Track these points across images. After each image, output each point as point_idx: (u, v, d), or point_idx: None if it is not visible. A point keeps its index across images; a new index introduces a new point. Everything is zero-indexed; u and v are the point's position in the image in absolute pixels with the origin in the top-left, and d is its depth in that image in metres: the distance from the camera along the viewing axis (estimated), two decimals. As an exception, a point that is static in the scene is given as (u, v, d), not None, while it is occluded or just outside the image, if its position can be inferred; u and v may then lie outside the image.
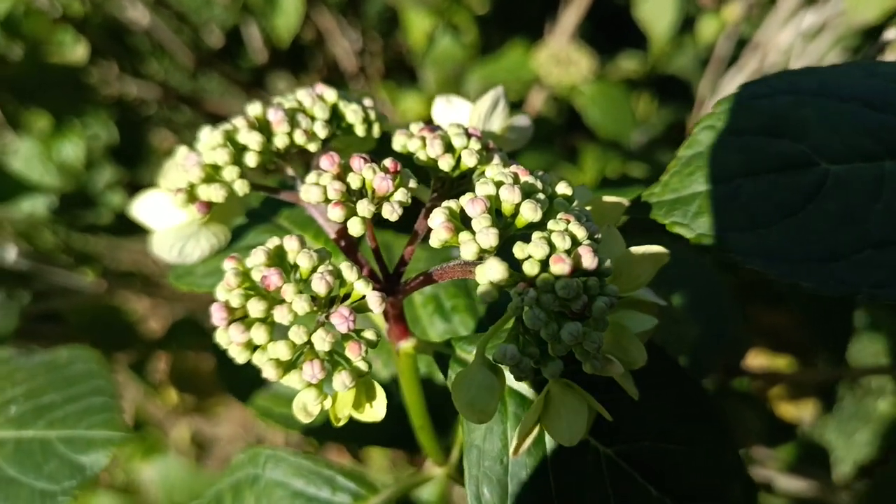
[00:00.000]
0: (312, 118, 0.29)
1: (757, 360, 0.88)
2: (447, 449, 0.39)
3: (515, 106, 1.52)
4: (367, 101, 0.31)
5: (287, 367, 0.24)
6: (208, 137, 0.29)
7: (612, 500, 0.27)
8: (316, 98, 0.30)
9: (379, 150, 0.33)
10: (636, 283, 0.26)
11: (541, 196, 0.25)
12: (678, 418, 0.30)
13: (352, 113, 0.30)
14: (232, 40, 1.62)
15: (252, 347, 0.24)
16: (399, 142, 0.29)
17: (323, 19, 1.51)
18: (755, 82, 0.31)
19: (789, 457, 0.91)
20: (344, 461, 1.37)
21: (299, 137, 0.29)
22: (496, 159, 0.28)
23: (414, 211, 0.28)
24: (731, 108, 0.31)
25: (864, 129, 0.30)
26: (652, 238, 0.34)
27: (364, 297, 0.24)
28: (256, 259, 0.25)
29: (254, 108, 0.30)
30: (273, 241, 0.25)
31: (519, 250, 0.23)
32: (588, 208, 0.28)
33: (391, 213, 0.25)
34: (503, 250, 0.24)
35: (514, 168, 0.26)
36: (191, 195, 0.29)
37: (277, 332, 0.24)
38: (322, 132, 0.29)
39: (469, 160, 0.27)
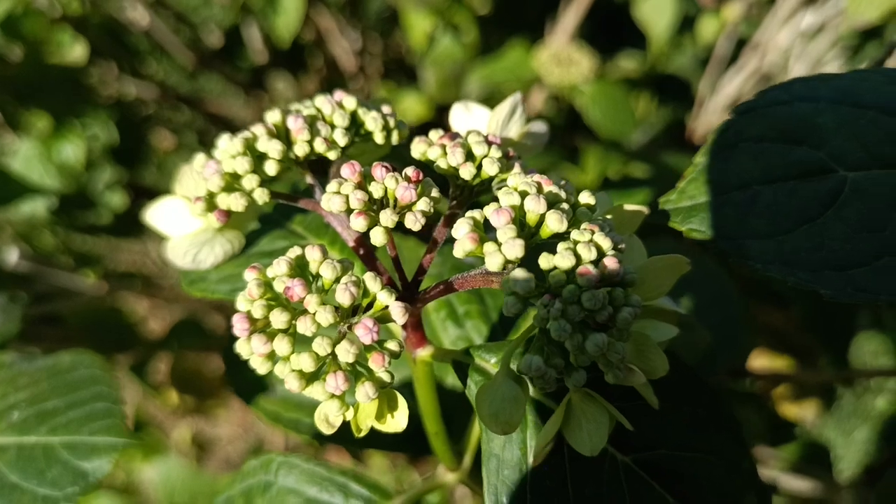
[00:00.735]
0: (332, 126, 0.29)
1: (759, 360, 0.88)
2: (459, 454, 0.39)
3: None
4: (386, 108, 0.31)
5: (310, 378, 0.23)
6: (227, 145, 0.29)
7: (633, 508, 0.27)
8: (335, 105, 0.30)
9: (390, 156, 0.33)
10: (657, 291, 0.26)
11: (565, 206, 0.25)
12: (695, 427, 0.30)
13: (371, 120, 0.30)
14: (231, 40, 1.62)
15: (274, 359, 0.24)
16: (419, 149, 0.29)
17: (322, 19, 1.50)
18: (773, 89, 0.31)
19: (792, 456, 0.92)
20: (343, 462, 1.37)
21: (319, 145, 0.29)
22: (517, 168, 0.28)
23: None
24: (749, 115, 0.31)
25: (883, 137, 0.30)
26: (659, 240, 0.34)
27: (387, 307, 0.24)
28: (278, 269, 0.25)
29: (273, 116, 0.29)
30: (295, 251, 0.25)
31: (545, 261, 0.23)
32: (609, 217, 0.28)
33: (414, 222, 0.25)
34: (526, 260, 0.24)
35: (537, 177, 0.26)
36: (210, 203, 0.29)
37: (300, 342, 0.24)
38: (342, 140, 0.29)
39: (490, 169, 0.27)
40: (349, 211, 0.26)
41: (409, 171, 0.26)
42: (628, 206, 0.29)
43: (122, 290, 1.14)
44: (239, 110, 1.71)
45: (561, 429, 0.25)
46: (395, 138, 0.31)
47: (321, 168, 0.31)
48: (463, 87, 1.40)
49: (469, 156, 0.28)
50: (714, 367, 0.49)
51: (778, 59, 1.36)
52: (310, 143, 0.29)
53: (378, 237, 0.25)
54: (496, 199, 0.25)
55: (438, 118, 1.63)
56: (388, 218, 0.25)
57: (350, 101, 0.30)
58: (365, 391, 0.23)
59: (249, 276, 0.25)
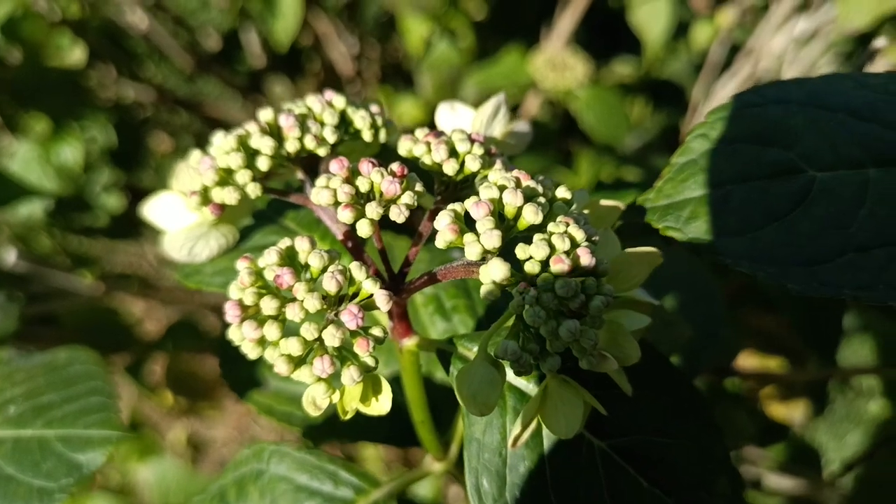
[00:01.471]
0: (322, 123, 0.31)
1: (748, 361, 0.89)
2: (446, 444, 0.40)
3: (511, 110, 1.53)
4: (374, 108, 0.32)
5: (298, 362, 0.25)
6: (222, 142, 0.30)
7: (606, 491, 0.29)
8: (325, 104, 0.31)
9: (382, 155, 0.35)
10: (631, 283, 0.27)
11: (542, 200, 0.26)
12: (669, 414, 0.31)
13: (360, 119, 0.31)
14: (229, 44, 1.63)
15: (264, 344, 0.25)
16: (405, 147, 0.30)
17: (320, 24, 1.52)
18: (747, 92, 0.33)
19: (780, 456, 0.93)
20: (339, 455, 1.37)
21: (310, 142, 0.30)
22: (498, 164, 0.29)
23: (414, 213, 0.29)
24: (724, 117, 0.32)
25: (850, 138, 0.31)
26: (649, 241, 0.36)
27: (372, 295, 0.25)
28: (269, 259, 0.26)
29: (265, 114, 0.31)
30: (284, 242, 0.26)
31: (521, 251, 0.24)
32: (586, 211, 0.30)
33: (398, 215, 0.27)
34: (505, 252, 0.25)
35: (515, 173, 0.27)
36: (204, 197, 0.30)
37: (288, 328, 0.25)
38: (331, 137, 0.30)
39: (472, 164, 0.29)
40: (337, 204, 0.27)
41: (395, 166, 0.27)
42: (605, 202, 0.30)
43: (119, 291, 1.14)
44: (236, 114, 1.72)
45: (539, 414, 0.26)
46: (382, 136, 0.32)
47: (312, 166, 0.32)
48: (459, 92, 1.41)
49: (452, 152, 0.29)
50: (698, 363, 0.50)
51: (771, 64, 1.37)
52: (300, 139, 0.30)
53: (364, 229, 0.26)
54: (478, 194, 0.26)
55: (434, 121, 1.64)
56: (373, 210, 0.26)
57: (339, 101, 0.31)
58: (350, 374, 0.25)
59: (241, 265, 0.26)
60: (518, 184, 0.26)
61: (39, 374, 0.48)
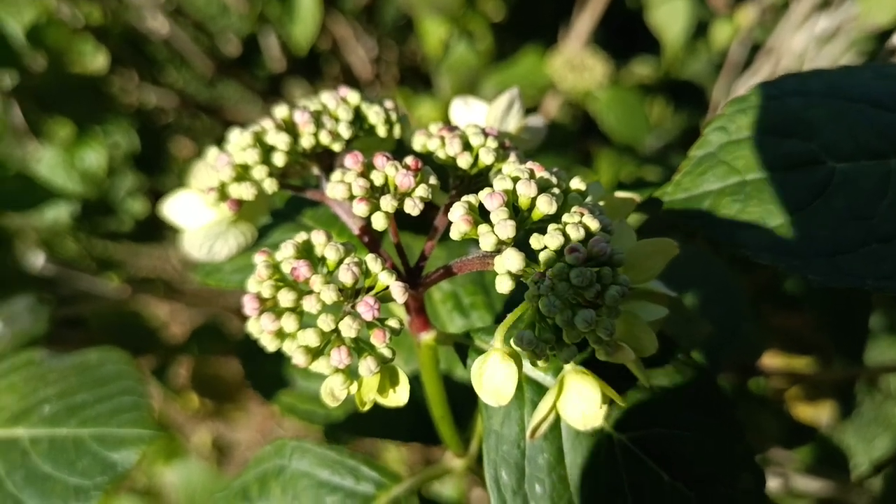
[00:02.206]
0: (336, 119, 0.31)
1: (773, 361, 0.88)
2: (466, 441, 0.40)
3: (530, 111, 1.53)
4: (389, 104, 0.32)
5: (315, 353, 0.25)
6: (238, 138, 0.30)
7: (626, 483, 0.28)
8: (340, 100, 0.31)
9: (397, 150, 0.35)
10: (647, 274, 0.27)
11: (556, 191, 0.26)
12: (689, 407, 0.31)
13: (374, 114, 0.31)
14: (249, 48, 1.64)
15: (282, 336, 0.25)
16: (419, 141, 0.30)
17: (338, 27, 1.53)
18: (765, 84, 0.32)
19: (807, 458, 0.91)
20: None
21: (325, 138, 0.30)
22: (512, 157, 0.29)
23: (431, 212, 0.30)
24: (742, 109, 0.32)
25: (871, 129, 0.31)
26: (671, 237, 0.35)
27: (388, 287, 0.25)
28: (286, 252, 0.26)
29: (281, 111, 0.31)
30: (301, 236, 0.27)
31: (535, 241, 0.24)
32: (601, 203, 0.29)
33: (413, 207, 0.27)
34: (520, 243, 0.25)
35: (529, 164, 0.27)
36: (222, 193, 0.30)
37: (306, 320, 0.26)
38: (346, 132, 0.31)
39: (486, 158, 0.29)
40: (352, 198, 0.27)
41: (409, 159, 0.27)
42: (619, 194, 0.30)
43: (144, 294, 1.16)
44: (256, 117, 1.74)
45: (557, 406, 0.26)
46: (397, 132, 0.32)
47: (328, 162, 0.33)
48: (478, 94, 1.41)
49: (466, 146, 0.29)
50: (718, 359, 0.49)
51: (792, 63, 1.36)
52: (315, 135, 0.30)
53: (379, 221, 0.26)
54: (492, 187, 0.26)
55: (454, 125, 1.64)
56: (388, 203, 0.26)
57: (354, 97, 0.31)
58: (367, 365, 0.25)
59: (259, 258, 0.26)
60: (532, 175, 0.26)
61: (72, 375, 0.49)
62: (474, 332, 0.30)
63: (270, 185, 0.30)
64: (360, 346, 0.25)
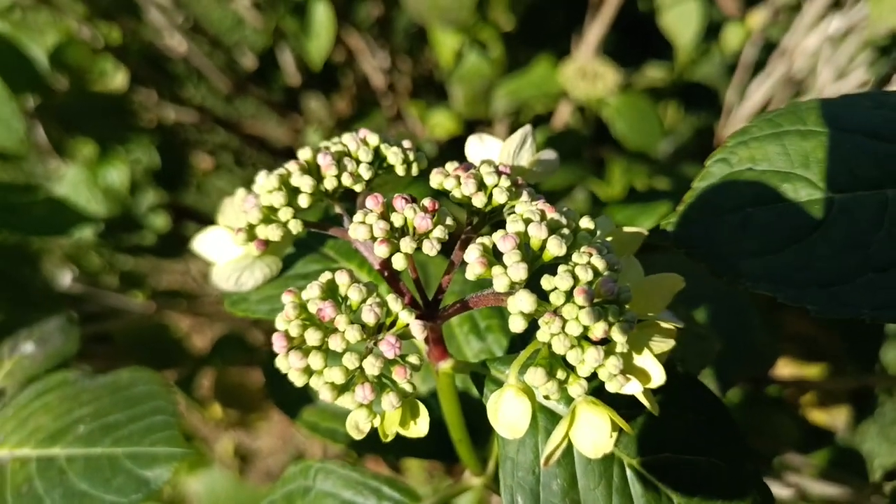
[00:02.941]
0: (357, 161, 0.33)
1: (787, 368, 0.89)
2: (484, 460, 0.42)
3: (544, 119, 1.54)
4: (406, 143, 0.34)
5: (341, 389, 0.27)
6: (265, 181, 0.32)
7: (638, 506, 0.30)
8: (360, 142, 0.33)
9: (415, 181, 0.36)
10: (654, 307, 0.29)
11: (565, 231, 0.27)
12: (698, 431, 0.32)
13: (392, 155, 0.33)
14: (265, 63, 1.67)
15: (309, 372, 0.27)
16: (436, 180, 0.32)
17: (352, 39, 1.55)
18: (764, 118, 0.34)
19: (822, 463, 0.92)
20: (382, 472, 1.40)
21: (346, 179, 0.32)
22: (524, 195, 0.31)
23: (449, 238, 0.31)
24: (743, 142, 0.33)
25: (868, 159, 0.32)
26: (678, 256, 0.37)
27: (408, 325, 0.27)
28: (312, 293, 0.28)
29: (304, 153, 0.33)
30: (326, 276, 0.28)
31: (546, 282, 0.26)
32: (609, 238, 0.31)
33: (430, 248, 0.28)
34: (532, 280, 0.27)
35: (541, 205, 0.28)
36: (250, 234, 0.32)
37: (332, 357, 0.27)
38: (366, 174, 0.32)
39: (500, 197, 0.30)
40: (373, 238, 0.29)
41: (426, 201, 0.29)
42: (628, 229, 0.31)
43: (168, 308, 1.18)
44: (273, 130, 1.76)
45: (569, 434, 0.28)
46: (414, 170, 0.34)
47: (350, 197, 0.34)
48: (491, 103, 1.43)
49: (481, 185, 0.31)
50: (731, 374, 0.51)
51: (806, 63, 1.36)
52: (338, 177, 0.32)
53: (399, 262, 0.28)
54: (506, 224, 0.28)
55: (468, 133, 1.66)
56: (407, 245, 0.28)
57: (373, 138, 0.33)
58: (389, 400, 0.26)
59: (286, 298, 0.28)
60: (543, 216, 0.28)
61: (105, 395, 0.50)
62: (490, 362, 0.31)
63: (295, 226, 0.31)
64: (382, 382, 0.27)
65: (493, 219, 0.32)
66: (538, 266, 0.27)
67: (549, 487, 0.30)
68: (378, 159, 0.34)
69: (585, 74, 1.28)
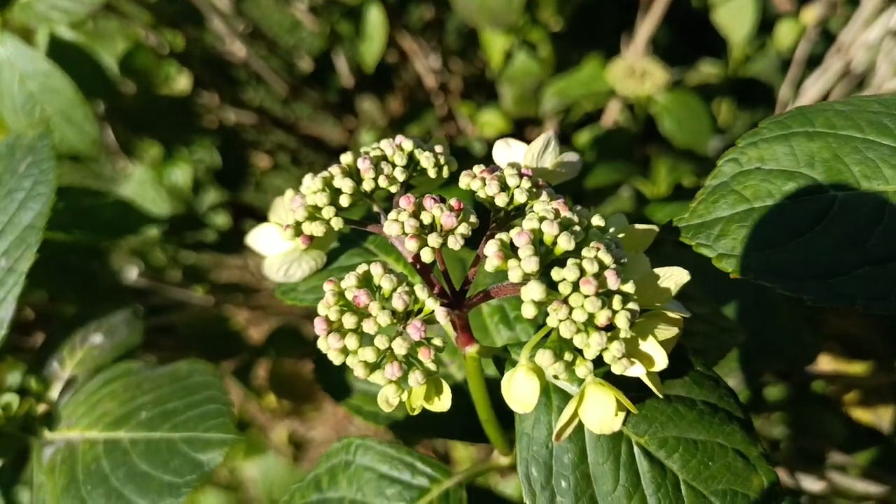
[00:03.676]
0: (393, 164, 0.36)
1: (830, 366, 0.89)
2: (512, 442, 0.45)
3: (594, 117, 1.56)
4: (438, 148, 0.37)
5: (373, 367, 0.30)
6: (310, 183, 0.36)
7: (645, 484, 0.32)
8: (396, 147, 0.36)
9: (449, 182, 0.40)
10: (661, 298, 0.31)
11: (577, 228, 0.30)
12: (705, 415, 0.34)
13: (425, 159, 0.36)
14: (321, 66, 1.73)
15: (346, 352, 0.30)
16: (464, 182, 0.35)
17: (405, 41, 1.59)
18: (774, 121, 0.36)
19: (866, 462, 0.92)
20: (430, 454, 1.43)
21: (383, 181, 0.35)
22: (544, 195, 0.34)
23: (484, 232, 0.34)
24: (753, 143, 0.36)
25: (872, 159, 0.34)
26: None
27: (433, 311, 0.30)
28: (349, 282, 0.31)
29: (346, 157, 0.36)
30: (362, 267, 0.32)
31: (556, 274, 0.29)
32: (621, 235, 0.34)
33: (455, 243, 0.31)
34: (547, 272, 0.30)
35: (555, 204, 0.31)
36: (297, 230, 0.36)
37: (365, 339, 0.31)
38: (401, 176, 0.36)
39: (520, 197, 0.33)
40: (405, 234, 0.32)
41: (453, 201, 0.32)
42: (639, 226, 0.34)
43: (226, 302, 1.25)
44: (329, 131, 1.82)
45: (578, 413, 0.31)
46: (445, 172, 0.37)
47: (388, 197, 0.38)
48: (540, 102, 1.45)
49: (503, 187, 0.34)
50: (757, 366, 0.52)
51: (865, 58, 1.35)
52: (375, 179, 0.35)
53: (427, 255, 0.31)
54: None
55: (517, 132, 1.68)
56: (434, 240, 0.31)
57: (408, 144, 0.37)
58: (415, 377, 0.30)
59: (327, 287, 0.32)
60: (556, 215, 0.30)
61: (165, 384, 0.55)
62: (511, 346, 0.34)
63: (337, 224, 0.35)
64: (409, 361, 0.30)
65: (516, 217, 0.35)
66: (551, 260, 0.30)
67: (561, 461, 0.32)
68: (413, 163, 0.37)
69: (633, 73, 1.29)
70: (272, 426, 1.74)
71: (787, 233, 0.33)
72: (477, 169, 0.35)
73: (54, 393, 0.63)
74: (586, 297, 0.28)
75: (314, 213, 0.36)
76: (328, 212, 0.35)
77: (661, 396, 0.31)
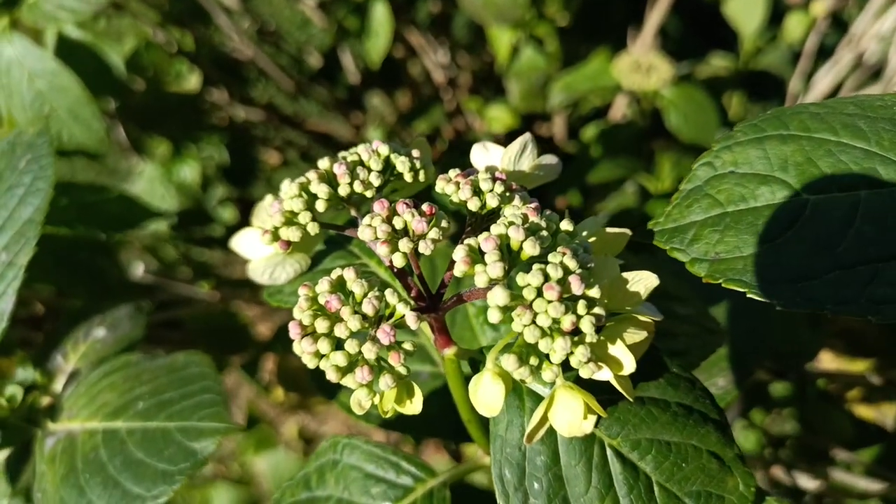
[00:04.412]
0: (369, 169, 0.36)
1: (833, 363, 0.88)
2: (496, 441, 0.45)
3: (602, 112, 1.55)
4: (415, 152, 0.38)
5: (345, 371, 0.30)
6: (287, 188, 0.36)
7: (617, 484, 0.33)
8: (372, 152, 0.37)
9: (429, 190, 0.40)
10: (630, 302, 0.32)
11: (544, 233, 0.30)
12: (680, 417, 0.34)
13: (401, 164, 0.37)
14: (331, 62, 1.73)
15: (319, 356, 0.31)
16: (440, 186, 0.35)
17: (412, 36, 1.59)
18: (749, 124, 0.36)
19: (869, 459, 0.91)
20: (442, 458, 1.44)
21: (358, 186, 0.36)
22: (517, 199, 0.34)
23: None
24: (727, 146, 0.36)
25: (845, 162, 0.34)
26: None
27: (403, 315, 0.31)
28: (322, 287, 0.32)
29: (323, 163, 0.37)
30: (336, 272, 0.32)
31: (521, 279, 0.29)
32: (593, 239, 0.34)
33: (426, 248, 0.32)
34: (512, 278, 0.30)
35: (525, 209, 0.32)
36: (275, 235, 0.37)
37: (338, 344, 0.31)
38: (376, 181, 0.36)
39: (492, 201, 0.34)
40: (377, 239, 0.32)
41: (425, 206, 0.33)
42: (611, 230, 0.34)
43: (234, 298, 1.26)
44: (338, 127, 1.83)
45: (548, 416, 0.31)
46: (422, 177, 0.38)
47: (364, 205, 0.38)
48: (548, 97, 1.44)
49: (476, 191, 0.34)
50: (748, 366, 0.52)
51: (876, 49, 1.33)
52: (350, 184, 0.36)
53: (397, 260, 0.32)
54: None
55: (525, 127, 1.68)
56: (405, 245, 0.32)
57: (384, 149, 0.37)
58: (385, 381, 0.30)
59: (301, 292, 0.32)
60: (524, 220, 0.31)
61: (162, 375, 0.56)
62: (486, 349, 0.35)
63: (313, 228, 0.36)
64: (381, 366, 0.31)
65: (490, 221, 0.35)
66: (517, 265, 0.30)
67: (534, 462, 0.33)
68: (390, 168, 0.38)
69: (639, 67, 1.28)
70: (282, 421, 1.75)
71: (758, 237, 0.33)
72: (452, 173, 0.36)
73: (58, 385, 0.64)
74: (549, 302, 0.28)
75: (291, 218, 0.36)
76: (304, 217, 0.36)
77: (630, 399, 0.31)
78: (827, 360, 0.89)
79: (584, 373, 0.30)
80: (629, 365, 0.30)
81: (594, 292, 0.29)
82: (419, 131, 1.61)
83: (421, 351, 0.55)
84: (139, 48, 1.40)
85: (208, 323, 1.23)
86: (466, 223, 0.36)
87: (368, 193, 0.36)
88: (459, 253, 0.30)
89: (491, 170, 0.36)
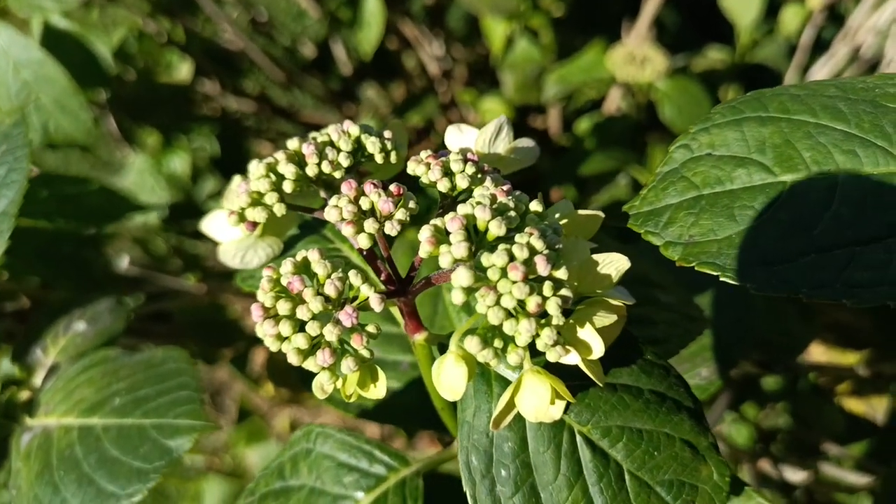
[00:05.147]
0: (338, 150, 0.36)
1: (823, 355, 0.88)
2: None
3: (598, 104, 1.54)
4: (387, 133, 0.37)
5: (306, 354, 0.30)
6: (255, 169, 0.36)
7: (586, 471, 0.32)
8: (342, 133, 0.36)
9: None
10: (601, 285, 0.31)
11: (512, 214, 0.30)
12: (653, 404, 0.34)
13: (371, 144, 0.36)
14: (325, 53, 1.72)
15: (281, 339, 0.30)
16: (411, 167, 0.35)
17: (407, 27, 1.58)
18: (727, 106, 0.35)
19: (860, 453, 0.91)
20: (436, 449, 1.44)
21: (326, 167, 0.35)
22: (488, 181, 0.33)
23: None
24: (705, 129, 0.35)
25: (823, 144, 0.33)
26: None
27: (367, 297, 0.30)
28: (285, 268, 0.31)
29: (292, 143, 0.36)
30: (301, 254, 0.32)
31: (485, 259, 0.28)
32: (564, 221, 0.33)
33: (392, 229, 0.31)
34: (478, 260, 0.29)
35: (493, 190, 0.31)
36: (241, 216, 0.36)
37: (302, 327, 0.30)
38: (345, 162, 0.35)
39: (462, 182, 0.33)
40: (343, 220, 0.32)
41: (392, 186, 0.32)
42: (583, 212, 0.33)
43: (221, 291, 1.25)
44: (331, 119, 1.82)
45: (515, 401, 0.30)
46: (393, 158, 0.37)
47: (334, 186, 0.37)
48: (542, 89, 1.43)
49: (447, 172, 0.33)
50: (733, 356, 0.52)
51: (873, 43, 1.33)
52: (318, 165, 0.35)
53: (362, 241, 0.31)
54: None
55: (520, 120, 1.67)
56: (370, 225, 0.31)
57: (354, 129, 0.36)
58: (348, 364, 0.29)
59: (265, 273, 0.31)
60: (492, 200, 0.30)
61: (139, 371, 0.55)
62: (455, 334, 0.34)
63: (280, 210, 0.35)
64: (343, 349, 0.30)
65: (462, 203, 0.34)
66: (484, 246, 0.30)
67: (502, 449, 0.32)
68: (362, 149, 0.37)
69: (634, 59, 1.27)
70: (274, 414, 1.74)
71: (734, 219, 0.32)
72: (424, 154, 0.35)
73: (37, 380, 0.63)
74: (514, 282, 0.27)
75: (258, 199, 0.35)
76: (271, 197, 0.35)
77: (600, 384, 0.31)
78: (818, 353, 0.88)
79: (551, 356, 0.29)
80: (598, 349, 0.30)
81: (561, 273, 0.28)
82: (413, 123, 1.60)
83: (402, 340, 0.54)
84: (131, 38, 1.39)
85: (197, 316, 1.22)
86: (438, 204, 0.35)
87: (337, 174, 0.35)
88: (425, 233, 0.29)
89: (463, 151, 0.35)
